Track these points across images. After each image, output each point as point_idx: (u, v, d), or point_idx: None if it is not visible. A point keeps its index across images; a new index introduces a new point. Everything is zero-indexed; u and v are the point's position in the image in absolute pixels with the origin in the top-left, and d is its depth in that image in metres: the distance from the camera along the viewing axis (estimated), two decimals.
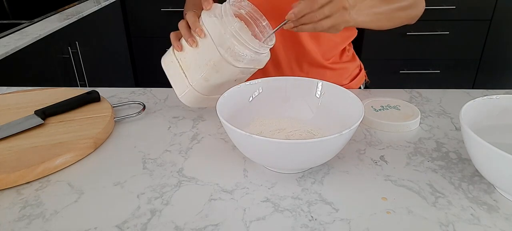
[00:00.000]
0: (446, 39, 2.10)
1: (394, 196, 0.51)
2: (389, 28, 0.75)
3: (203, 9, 0.64)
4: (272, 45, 0.65)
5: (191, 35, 0.63)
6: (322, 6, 0.60)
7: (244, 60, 0.62)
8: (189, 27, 0.64)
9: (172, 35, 0.67)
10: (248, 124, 0.64)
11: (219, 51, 0.61)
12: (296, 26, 0.63)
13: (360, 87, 0.95)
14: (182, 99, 0.67)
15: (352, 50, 0.93)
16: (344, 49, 0.89)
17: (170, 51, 0.68)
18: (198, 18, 0.64)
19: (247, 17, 0.66)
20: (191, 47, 0.64)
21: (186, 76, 0.65)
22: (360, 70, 0.94)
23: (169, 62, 0.68)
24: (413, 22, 0.78)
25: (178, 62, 0.66)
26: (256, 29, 0.66)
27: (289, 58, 0.84)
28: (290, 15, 0.62)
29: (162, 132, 0.68)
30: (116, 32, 2.06)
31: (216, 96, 0.67)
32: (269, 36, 0.65)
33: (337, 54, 0.88)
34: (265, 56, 0.65)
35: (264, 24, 0.66)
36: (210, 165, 0.58)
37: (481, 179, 0.54)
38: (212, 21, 0.61)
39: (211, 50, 0.62)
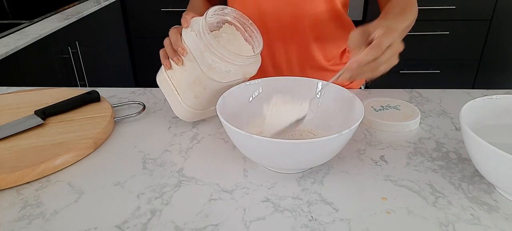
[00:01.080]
0: (446, 39, 2.10)
1: (394, 196, 0.51)
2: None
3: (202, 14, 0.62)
4: (260, 51, 0.63)
5: (176, 54, 0.62)
6: (386, 52, 0.53)
7: (229, 75, 0.61)
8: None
9: (161, 53, 0.65)
10: (248, 124, 0.64)
11: (201, 69, 0.59)
12: (355, 76, 0.54)
13: (360, 88, 0.95)
14: (179, 116, 0.68)
15: None
16: (344, 50, 0.89)
17: (162, 69, 0.68)
18: (181, 35, 0.62)
19: (234, 22, 0.65)
20: (178, 66, 0.63)
21: (178, 93, 0.65)
22: None
23: (162, 80, 0.68)
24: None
25: (170, 80, 0.66)
26: (246, 33, 0.66)
27: (291, 61, 0.84)
28: (352, 64, 0.53)
29: (162, 132, 0.68)
30: (116, 32, 2.06)
31: (212, 108, 0.67)
32: (255, 50, 0.64)
33: (338, 56, 0.88)
34: (253, 65, 0.64)
35: (252, 28, 0.65)
36: (210, 165, 0.58)
37: (481, 179, 0.54)
38: (192, 39, 0.59)
39: (195, 68, 0.60)
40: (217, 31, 0.66)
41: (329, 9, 0.79)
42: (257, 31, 0.65)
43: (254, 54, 0.63)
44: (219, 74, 0.60)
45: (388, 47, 0.53)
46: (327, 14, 0.80)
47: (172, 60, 0.62)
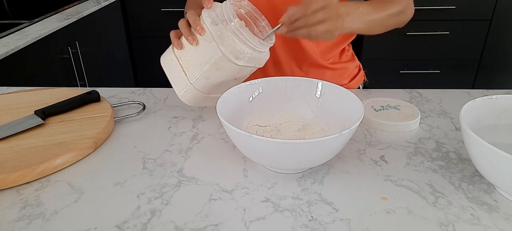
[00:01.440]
0: (446, 39, 2.10)
1: (394, 196, 0.51)
2: (381, 33, 0.77)
3: (203, 8, 0.64)
4: (272, 44, 0.65)
5: (191, 33, 0.63)
6: (316, 11, 0.60)
7: (245, 58, 0.62)
8: (190, 26, 0.64)
9: (172, 34, 0.67)
10: (248, 123, 0.64)
11: (220, 49, 0.61)
12: (291, 31, 0.62)
13: (359, 87, 0.95)
14: (182, 98, 0.67)
15: (351, 51, 0.94)
16: (343, 50, 0.89)
17: (169, 49, 0.68)
18: (199, 16, 0.64)
19: (246, 16, 0.66)
20: (191, 46, 0.63)
21: (186, 74, 0.65)
22: (359, 70, 0.95)
23: (169, 60, 0.67)
24: (402, 26, 0.80)
25: (178, 60, 0.66)
26: (256, 29, 0.66)
27: (289, 58, 0.85)
28: (284, 18, 0.62)
29: (162, 132, 0.68)
30: (116, 32, 2.06)
31: (215, 95, 0.68)
32: (268, 35, 0.65)
33: (337, 54, 0.88)
34: (265, 55, 0.65)
35: (263, 24, 0.66)
36: (210, 165, 0.58)
37: (481, 179, 0.54)
38: (212, 19, 0.62)
39: (211, 48, 0.62)
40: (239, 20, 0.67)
41: None
42: (268, 27, 0.66)
43: (267, 44, 0.65)
44: (236, 56, 0.61)
45: (323, 8, 0.60)
46: None
47: (187, 39, 0.63)
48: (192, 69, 0.65)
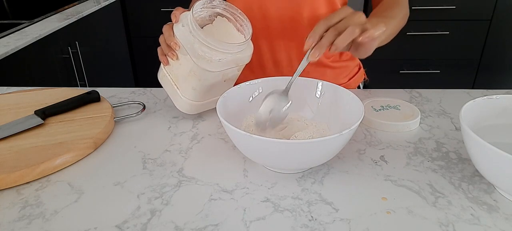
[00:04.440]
0: (446, 39, 2.10)
1: (394, 196, 0.51)
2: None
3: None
4: (250, 37, 0.64)
5: (170, 49, 0.64)
6: (342, 19, 0.56)
7: (221, 63, 0.62)
8: None
9: (159, 51, 0.67)
10: (248, 123, 0.64)
11: (193, 61, 0.61)
12: (320, 47, 0.55)
13: (359, 86, 0.95)
14: (182, 110, 0.69)
15: None
16: None
17: (161, 65, 0.70)
18: (173, 30, 0.64)
19: (225, 13, 0.67)
20: (173, 61, 0.65)
21: (177, 88, 0.67)
22: (359, 68, 0.95)
23: (162, 76, 0.70)
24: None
25: (168, 75, 0.68)
26: (237, 23, 0.67)
27: (291, 58, 0.85)
28: (308, 41, 0.55)
29: (162, 132, 0.68)
30: (116, 32, 2.06)
31: (212, 99, 0.68)
32: (245, 32, 0.66)
33: (337, 53, 0.88)
34: (244, 53, 0.65)
35: (241, 17, 0.67)
36: (210, 165, 0.58)
37: (481, 179, 0.54)
38: (181, 32, 0.62)
39: (188, 60, 0.62)
40: (211, 24, 0.68)
41: (330, 11, 0.80)
42: (246, 19, 0.66)
43: (244, 40, 0.64)
44: (210, 64, 0.61)
45: (350, 16, 0.55)
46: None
47: (168, 55, 0.65)
48: (180, 82, 0.66)
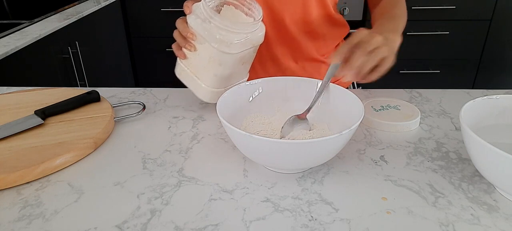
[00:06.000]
0: (446, 39, 2.10)
1: (394, 196, 0.51)
2: None
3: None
4: (261, 18, 0.66)
5: (187, 41, 0.66)
6: (365, 42, 0.58)
7: (238, 44, 0.64)
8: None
9: (174, 47, 0.69)
10: (248, 123, 0.64)
11: (212, 46, 0.63)
12: (349, 69, 0.58)
13: (354, 85, 0.96)
14: (206, 100, 0.71)
15: None
16: (338, 45, 0.91)
17: (178, 61, 0.72)
18: (186, 23, 0.66)
19: (232, 1, 0.68)
20: (191, 52, 0.66)
21: (198, 78, 0.69)
22: None
23: (181, 71, 0.71)
24: None
25: (187, 69, 0.70)
26: (245, 8, 0.68)
27: (286, 53, 0.86)
28: (336, 57, 0.59)
29: (162, 132, 0.68)
30: (116, 32, 2.06)
31: (234, 83, 0.70)
32: (256, 11, 0.67)
33: (332, 49, 0.90)
34: (258, 32, 0.67)
35: (250, 1, 0.68)
36: (210, 165, 0.58)
37: (481, 179, 0.54)
38: (196, 22, 0.63)
39: (206, 48, 0.64)
40: (218, 14, 0.68)
41: (323, 13, 0.83)
42: (254, 1, 0.68)
43: (256, 21, 0.66)
44: (229, 47, 0.63)
45: (369, 39, 0.57)
46: (320, 18, 0.83)
47: (185, 48, 0.66)
48: (201, 73, 0.68)
